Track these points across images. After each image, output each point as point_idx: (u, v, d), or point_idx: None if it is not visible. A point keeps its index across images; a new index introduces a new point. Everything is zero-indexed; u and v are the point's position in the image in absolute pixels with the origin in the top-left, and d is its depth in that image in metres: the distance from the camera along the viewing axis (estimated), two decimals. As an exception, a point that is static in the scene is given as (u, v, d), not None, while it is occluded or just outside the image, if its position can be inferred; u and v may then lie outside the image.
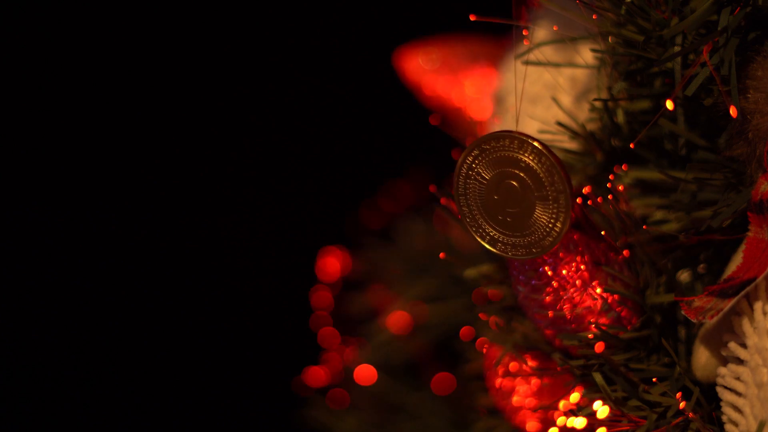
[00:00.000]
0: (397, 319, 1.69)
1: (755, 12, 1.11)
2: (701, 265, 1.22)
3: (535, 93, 1.35)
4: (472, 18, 1.22)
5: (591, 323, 1.18)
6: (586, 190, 1.18)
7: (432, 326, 1.67)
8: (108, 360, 2.29)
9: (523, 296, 1.20)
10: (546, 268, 1.18)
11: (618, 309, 1.18)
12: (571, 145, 1.25)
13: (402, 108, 1.70)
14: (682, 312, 1.12)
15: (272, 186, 2.35)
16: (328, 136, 2.34)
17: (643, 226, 1.19)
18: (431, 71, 1.61)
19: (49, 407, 2.28)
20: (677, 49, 1.13)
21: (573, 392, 1.19)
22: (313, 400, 1.70)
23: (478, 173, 1.14)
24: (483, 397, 1.41)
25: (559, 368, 1.19)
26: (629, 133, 1.23)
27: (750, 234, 1.12)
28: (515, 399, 1.32)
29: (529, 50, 1.23)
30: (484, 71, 1.59)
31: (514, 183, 1.13)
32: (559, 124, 1.24)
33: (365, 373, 1.70)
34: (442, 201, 1.25)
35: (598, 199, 1.17)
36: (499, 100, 1.48)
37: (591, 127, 1.25)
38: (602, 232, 1.17)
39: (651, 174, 1.22)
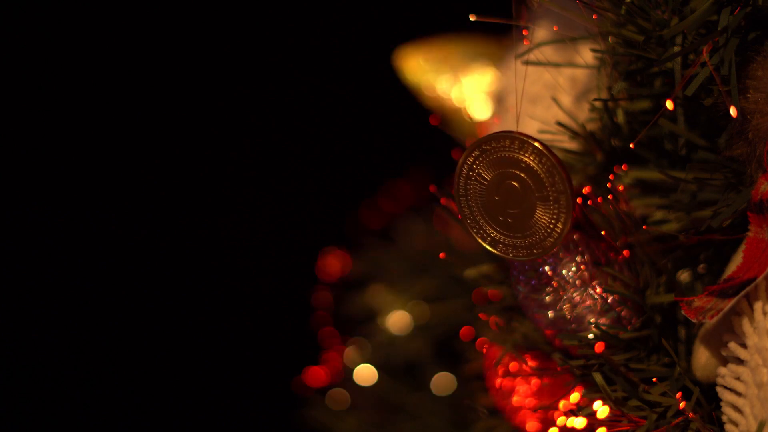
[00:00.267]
0: (397, 319, 1.69)
1: (755, 12, 1.11)
2: (701, 265, 1.22)
3: (535, 93, 1.35)
4: (472, 18, 1.22)
5: (591, 323, 1.17)
6: (586, 190, 1.18)
7: (432, 326, 1.67)
8: (108, 360, 2.29)
9: (523, 296, 1.20)
10: (546, 268, 1.18)
11: (618, 309, 1.18)
12: (571, 145, 1.25)
13: (402, 108, 1.69)
14: (682, 312, 1.12)
15: (272, 186, 2.35)
16: (328, 136, 2.34)
17: (643, 226, 1.18)
18: (431, 71, 1.61)
19: (49, 407, 2.28)
20: (677, 49, 1.12)
21: (573, 392, 1.19)
22: (313, 400, 1.70)
23: (479, 174, 1.14)
24: (483, 397, 1.41)
25: (559, 368, 1.19)
26: (629, 133, 1.23)
27: (750, 234, 1.12)
28: (515, 399, 1.32)
29: (529, 50, 1.23)
30: (484, 71, 1.59)
31: (515, 184, 1.13)
32: (559, 124, 1.24)
33: (365, 373, 1.70)
34: (443, 201, 1.25)
35: (598, 199, 1.17)
36: (499, 100, 1.48)
37: (591, 127, 1.24)
38: (602, 232, 1.17)
39: (651, 174, 1.22)
